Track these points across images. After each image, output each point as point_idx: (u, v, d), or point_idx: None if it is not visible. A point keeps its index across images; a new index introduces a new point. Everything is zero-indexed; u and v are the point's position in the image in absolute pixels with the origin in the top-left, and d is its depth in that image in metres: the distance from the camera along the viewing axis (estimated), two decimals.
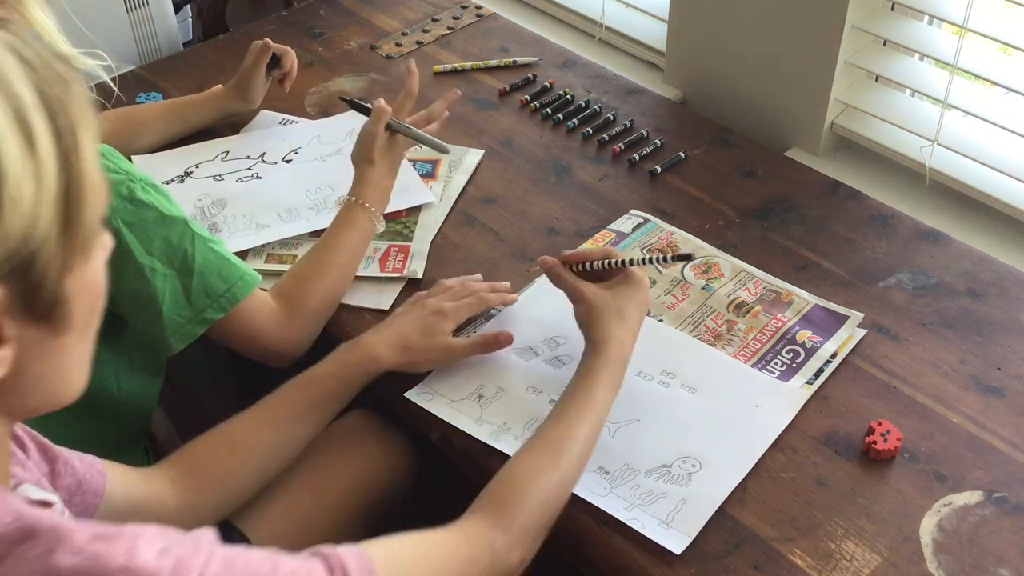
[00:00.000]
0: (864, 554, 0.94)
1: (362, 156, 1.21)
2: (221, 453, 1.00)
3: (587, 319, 1.02)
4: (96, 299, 0.64)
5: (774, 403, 1.07)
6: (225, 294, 1.06)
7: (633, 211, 1.33)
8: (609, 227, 1.31)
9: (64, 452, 0.85)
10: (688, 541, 0.94)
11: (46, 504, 0.73)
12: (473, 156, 1.44)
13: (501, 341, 1.11)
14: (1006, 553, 0.93)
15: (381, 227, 1.21)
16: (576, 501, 0.98)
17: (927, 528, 0.96)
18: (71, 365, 0.64)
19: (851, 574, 0.92)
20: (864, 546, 0.94)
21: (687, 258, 1.05)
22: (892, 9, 1.43)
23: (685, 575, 0.92)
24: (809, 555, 0.94)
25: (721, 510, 0.97)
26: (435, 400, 1.09)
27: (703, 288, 1.21)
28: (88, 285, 0.62)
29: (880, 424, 1.03)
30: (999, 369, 1.11)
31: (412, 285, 1.23)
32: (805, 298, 1.19)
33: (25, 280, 0.56)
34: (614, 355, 0.99)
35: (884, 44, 1.45)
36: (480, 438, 1.04)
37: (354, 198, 1.19)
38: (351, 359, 1.07)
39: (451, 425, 1.06)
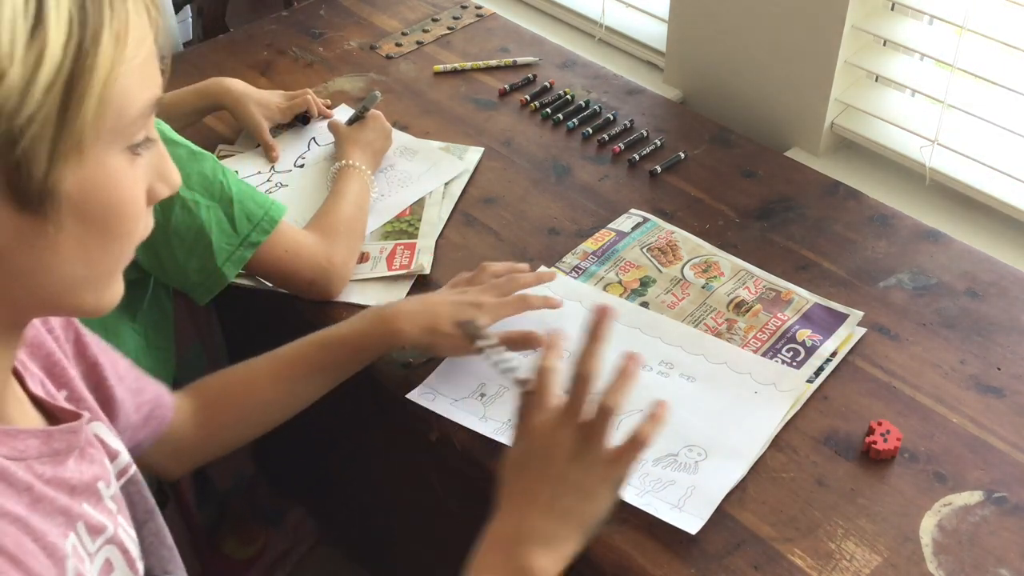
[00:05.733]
0: (864, 554, 0.94)
1: (339, 139, 1.38)
2: (236, 396, 1.03)
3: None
4: (106, 209, 0.62)
5: (773, 387, 1.07)
6: (264, 218, 1.14)
7: (632, 210, 1.33)
8: (608, 226, 1.31)
9: (143, 374, 0.92)
10: (702, 523, 0.94)
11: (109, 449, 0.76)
12: (473, 154, 1.44)
13: (529, 341, 1.06)
14: (1006, 553, 0.94)
15: (374, 187, 1.34)
16: None
17: (927, 528, 0.96)
18: (72, 271, 0.62)
19: (851, 574, 0.92)
20: (864, 546, 0.94)
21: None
22: (892, 9, 1.43)
23: (685, 575, 0.92)
24: (809, 555, 0.94)
25: (721, 510, 0.97)
26: (437, 400, 1.09)
27: (703, 287, 1.21)
28: (91, 187, 0.60)
29: (880, 424, 1.03)
30: (999, 369, 1.11)
31: (421, 282, 1.23)
32: (805, 297, 1.19)
33: (6, 158, 0.56)
34: (497, 560, 0.79)
35: (884, 44, 1.45)
36: (485, 434, 1.04)
37: (342, 161, 1.33)
38: (373, 330, 1.06)
39: (452, 424, 1.06)
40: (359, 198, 1.28)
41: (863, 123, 1.48)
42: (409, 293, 1.22)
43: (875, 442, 1.02)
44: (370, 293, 1.22)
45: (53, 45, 0.56)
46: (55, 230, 0.59)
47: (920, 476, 1.01)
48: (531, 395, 0.82)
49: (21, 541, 0.60)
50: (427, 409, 1.09)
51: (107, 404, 0.84)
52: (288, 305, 1.23)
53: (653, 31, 1.72)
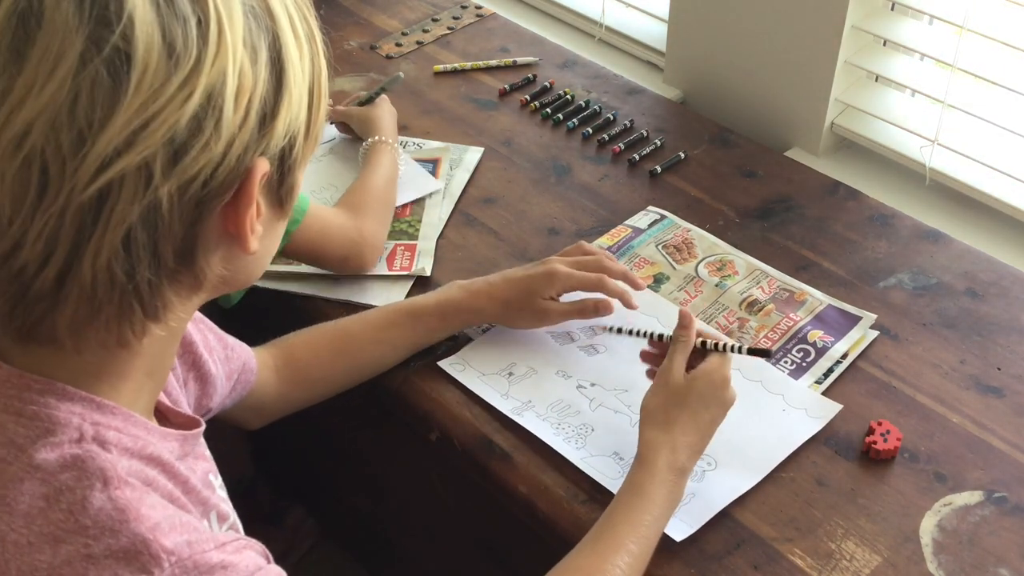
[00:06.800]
0: (864, 554, 0.94)
1: (364, 117, 1.39)
2: (325, 357, 1.07)
3: (640, 417, 0.95)
4: (296, 196, 0.69)
5: (804, 411, 1.06)
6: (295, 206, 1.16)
7: (651, 207, 1.33)
8: (626, 223, 1.31)
9: (230, 338, 0.96)
10: (690, 532, 0.94)
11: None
12: (473, 154, 1.44)
13: (600, 309, 1.10)
14: (1006, 553, 0.94)
15: (401, 157, 1.37)
16: (578, 498, 0.98)
17: (927, 528, 0.96)
18: (272, 251, 0.70)
19: (851, 574, 0.92)
20: (864, 546, 0.95)
21: (765, 354, 1.00)
22: (892, 9, 1.43)
23: (685, 575, 0.92)
24: (809, 555, 0.94)
25: (721, 510, 0.97)
26: (466, 371, 1.11)
27: (716, 285, 1.21)
28: (301, 179, 0.68)
29: (880, 424, 1.03)
30: (999, 369, 1.11)
31: (420, 283, 1.23)
32: (819, 298, 1.19)
33: (282, 163, 0.63)
34: (661, 464, 0.90)
35: (884, 44, 1.45)
36: (504, 411, 1.06)
37: (374, 137, 1.35)
38: (456, 305, 1.10)
39: (452, 423, 1.07)
40: (389, 172, 1.31)
41: (863, 123, 1.48)
42: (409, 294, 1.22)
43: (875, 442, 1.02)
44: (370, 293, 1.22)
45: (304, 56, 0.62)
46: (283, 217, 0.67)
47: (920, 476, 1.01)
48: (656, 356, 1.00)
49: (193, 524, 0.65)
50: (427, 409, 1.09)
51: (204, 382, 0.88)
52: (287, 305, 1.23)
53: (653, 31, 1.72)
